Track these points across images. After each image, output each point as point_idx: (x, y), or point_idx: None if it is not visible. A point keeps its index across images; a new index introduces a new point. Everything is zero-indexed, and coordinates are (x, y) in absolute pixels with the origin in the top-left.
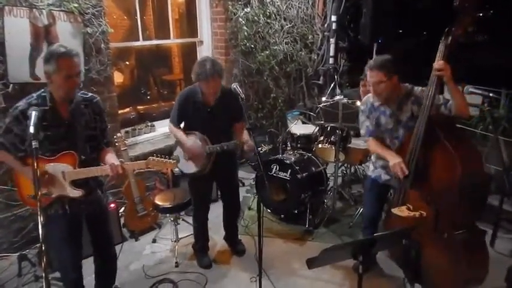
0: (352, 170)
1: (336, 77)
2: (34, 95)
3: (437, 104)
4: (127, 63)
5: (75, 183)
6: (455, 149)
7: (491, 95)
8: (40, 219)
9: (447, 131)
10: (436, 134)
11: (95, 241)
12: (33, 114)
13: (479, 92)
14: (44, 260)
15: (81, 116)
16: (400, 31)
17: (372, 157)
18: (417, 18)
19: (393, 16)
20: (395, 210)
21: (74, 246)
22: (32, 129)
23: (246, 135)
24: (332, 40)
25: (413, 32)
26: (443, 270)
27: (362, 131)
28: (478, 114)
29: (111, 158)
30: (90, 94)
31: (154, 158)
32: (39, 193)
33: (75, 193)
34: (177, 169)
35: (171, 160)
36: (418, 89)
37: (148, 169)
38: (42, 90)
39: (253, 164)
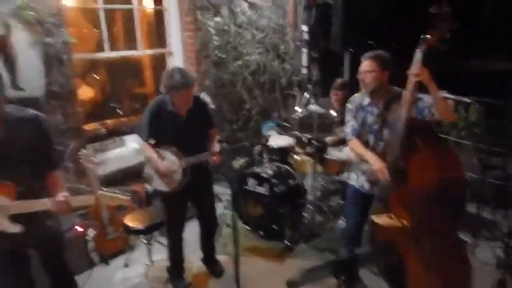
0: (330, 181)
1: (309, 87)
2: None
3: (421, 108)
4: (96, 77)
5: (16, 217)
6: (431, 155)
7: (469, 100)
8: None
9: (425, 137)
10: (414, 140)
11: (49, 275)
12: None
13: (453, 97)
14: None
15: (16, 138)
16: (371, 42)
17: (354, 161)
18: (388, 28)
19: (364, 26)
20: (374, 218)
21: (21, 281)
22: None
23: (216, 146)
24: (304, 50)
25: (385, 42)
26: (421, 283)
27: (347, 130)
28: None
29: (58, 190)
30: (31, 112)
31: (105, 192)
32: None
33: (14, 228)
34: (149, 187)
35: (124, 196)
36: None
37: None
38: None
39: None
